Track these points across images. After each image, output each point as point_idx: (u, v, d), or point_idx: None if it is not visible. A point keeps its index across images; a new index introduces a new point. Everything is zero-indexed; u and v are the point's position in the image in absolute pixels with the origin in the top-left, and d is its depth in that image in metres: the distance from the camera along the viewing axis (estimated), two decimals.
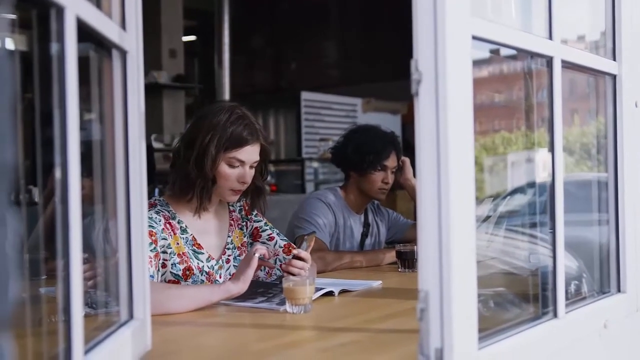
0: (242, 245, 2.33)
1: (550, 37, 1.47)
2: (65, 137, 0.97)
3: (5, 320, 0.59)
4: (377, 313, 1.91)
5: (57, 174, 0.98)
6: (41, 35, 1.01)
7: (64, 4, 0.95)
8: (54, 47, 0.97)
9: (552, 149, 1.49)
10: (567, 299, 1.51)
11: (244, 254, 2.29)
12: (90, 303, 1.34)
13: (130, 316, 1.33)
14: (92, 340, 1.14)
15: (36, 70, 1.04)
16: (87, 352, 1.06)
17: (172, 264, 2.11)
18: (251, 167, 2.19)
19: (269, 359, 1.46)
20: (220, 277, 2.22)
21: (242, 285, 1.93)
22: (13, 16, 0.96)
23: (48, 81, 0.99)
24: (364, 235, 3.08)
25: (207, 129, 2.12)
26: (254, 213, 2.39)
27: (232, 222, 2.33)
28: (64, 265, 0.98)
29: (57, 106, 0.96)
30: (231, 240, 2.30)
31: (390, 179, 2.96)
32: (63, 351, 0.98)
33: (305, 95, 8.09)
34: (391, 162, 2.95)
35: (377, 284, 2.32)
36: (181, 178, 2.16)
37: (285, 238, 2.39)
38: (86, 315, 1.07)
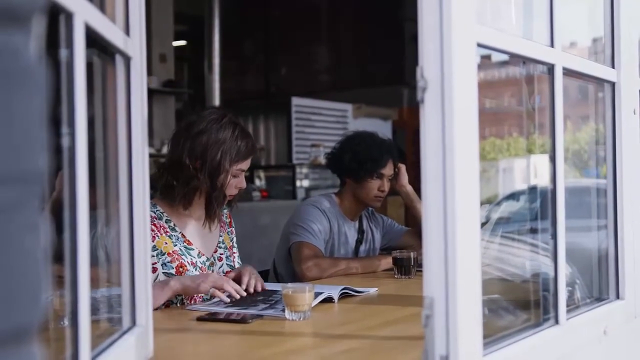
0: (230, 247, 2.40)
1: (552, 45, 1.48)
2: (74, 143, 0.96)
3: (38, 327, 0.58)
4: (376, 320, 1.90)
5: (64, 178, 0.98)
6: (49, 41, 1.01)
7: (74, 10, 0.95)
8: (63, 53, 0.96)
9: (553, 155, 1.50)
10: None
11: (232, 256, 2.40)
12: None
13: (133, 323, 1.32)
14: (97, 348, 1.13)
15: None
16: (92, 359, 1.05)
17: (162, 264, 2.14)
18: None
19: None
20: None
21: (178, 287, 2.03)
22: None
23: (55, 86, 0.98)
24: (359, 242, 3.06)
25: (216, 145, 2.17)
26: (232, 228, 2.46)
27: (222, 223, 2.40)
28: (71, 271, 0.97)
29: (66, 111, 0.96)
30: (222, 240, 2.37)
31: (387, 186, 2.95)
32: (70, 358, 0.97)
33: (295, 100, 8.06)
34: (388, 170, 2.95)
35: (373, 291, 2.32)
36: (190, 191, 2.19)
37: (239, 261, 2.45)
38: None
